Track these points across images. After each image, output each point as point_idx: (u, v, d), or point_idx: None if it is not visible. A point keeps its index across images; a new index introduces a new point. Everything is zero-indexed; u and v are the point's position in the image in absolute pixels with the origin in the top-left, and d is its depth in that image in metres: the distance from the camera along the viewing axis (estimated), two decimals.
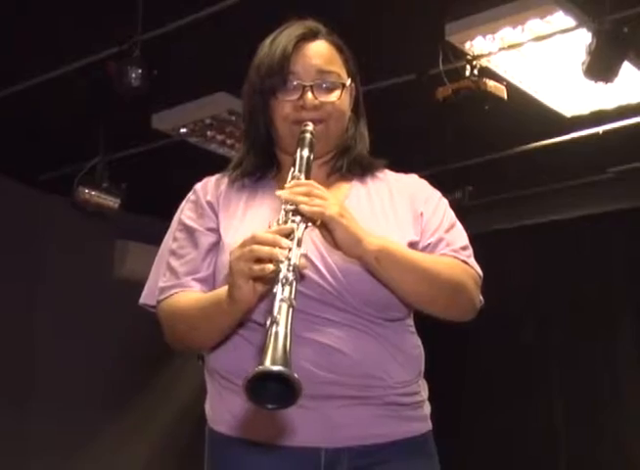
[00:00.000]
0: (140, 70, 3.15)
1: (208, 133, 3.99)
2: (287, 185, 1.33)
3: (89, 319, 4.99)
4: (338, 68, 1.50)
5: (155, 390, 5.47)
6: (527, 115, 3.83)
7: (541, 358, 5.21)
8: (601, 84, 3.18)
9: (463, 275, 1.43)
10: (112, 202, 4.40)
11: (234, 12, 3.05)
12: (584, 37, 3.08)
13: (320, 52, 1.48)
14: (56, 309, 4.94)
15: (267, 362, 1.06)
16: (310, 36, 1.49)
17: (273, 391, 1.07)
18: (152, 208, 4.50)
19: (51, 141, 4.25)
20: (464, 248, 1.47)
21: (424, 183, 1.57)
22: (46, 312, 4.91)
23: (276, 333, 1.10)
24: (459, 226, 1.51)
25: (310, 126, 1.44)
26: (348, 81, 1.51)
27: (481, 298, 1.48)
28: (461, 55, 3.30)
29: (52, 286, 4.95)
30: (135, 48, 3.18)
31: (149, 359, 5.08)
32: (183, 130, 4.00)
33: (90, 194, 4.34)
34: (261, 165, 1.53)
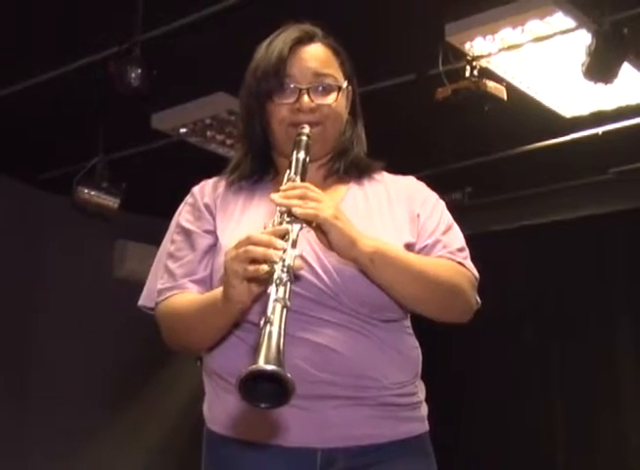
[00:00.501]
0: (140, 70, 3.16)
1: (208, 133, 3.99)
2: (282, 188, 1.34)
3: (88, 319, 4.99)
4: (334, 70, 1.51)
5: (154, 390, 5.47)
6: (527, 115, 3.84)
7: (541, 359, 5.21)
8: (601, 85, 3.18)
9: (459, 277, 1.44)
10: (111, 202, 4.41)
11: (234, 12, 3.06)
12: (584, 38, 3.08)
13: (316, 55, 1.49)
14: (55, 309, 4.94)
15: (261, 362, 1.07)
16: (306, 39, 1.50)
17: (266, 390, 1.08)
18: (151, 208, 4.51)
19: (51, 141, 4.25)
20: (460, 250, 1.48)
21: (421, 185, 1.58)
22: (45, 312, 4.91)
23: (270, 333, 1.11)
24: (456, 228, 1.52)
25: (307, 129, 1.45)
26: (345, 84, 1.52)
27: (478, 299, 1.49)
28: (461, 55, 3.30)
29: (51, 286, 4.95)
30: (135, 48, 3.18)
31: (148, 359, 5.09)
32: (183, 130, 4.00)
33: (90, 194, 4.35)
34: (259, 169, 1.54)
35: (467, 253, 1.49)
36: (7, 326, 4.71)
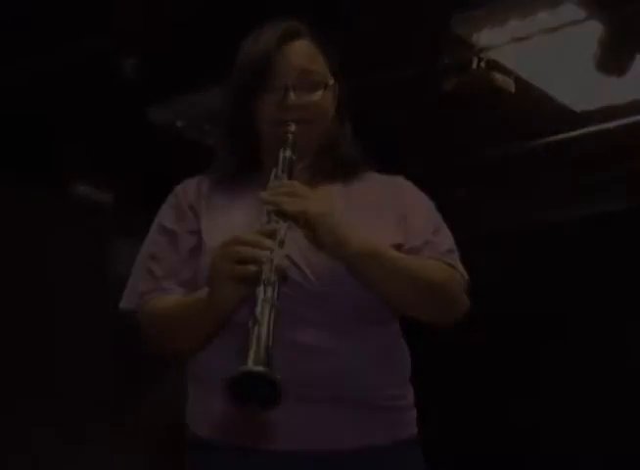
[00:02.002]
0: (136, 62, 3.17)
1: (206, 127, 4.01)
2: (269, 186, 1.36)
3: (83, 318, 5.01)
4: (320, 67, 1.52)
5: (151, 392, 5.49)
6: (536, 109, 3.84)
7: (547, 362, 5.23)
8: (613, 78, 3.19)
9: (448, 278, 1.45)
10: (106, 197, 4.43)
11: (232, 5, 3.07)
12: (595, 29, 3.09)
13: (302, 51, 1.51)
14: (49, 309, 4.96)
15: (250, 363, 1.09)
16: (292, 36, 1.51)
17: (255, 392, 1.09)
18: (147, 203, 4.51)
19: (45, 135, 4.27)
20: (450, 251, 1.50)
21: (409, 185, 1.60)
22: (39, 312, 4.93)
23: (258, 334, 1.13)
24: (445, 229, 1.54)
25: (293, 127, 1.46)
26: (331, 81, 1.53)
27: (467, 301, 1.50)
28: (468, 47, 3.31)
29: (45, 284, 4.97)
30: (132, 39, 3.19)
31: (146, 360, 5.09)
32: (180, 124, 4.02)
33: (84, 189, 4.37)
34: (244, 166, 1.55)
35: (456, 254, 1.51)
36: (2, 326, 4.73)
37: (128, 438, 5.30)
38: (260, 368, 1.08)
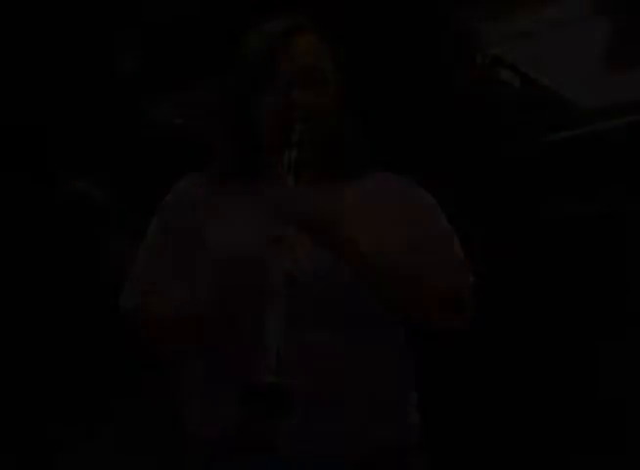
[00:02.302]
0: (136, 57, 3.17)
1: (206, 125, 4.00)
2: (274, 192, 1.35)
3: (80, 317, 5.01)
4: (325, 63, 1.51)
5: (151, 392, 5.48)
6: (541, 106, 3.84)
7: (549, 362, 5.22)
8: (622, 74, 3.19)
9: (453, 281, 1.45)
10: (103, 195, 4.43)
11: (233, 1, 3.07)
12: (602, 25, 3.08)
13: (307, 47, 1.49)
14: (47, 308, 4.96)
15: (262, 374, 1.10)
16: (297, 30, 1.50)
17: (264, 402, 1.11)
18: (146, 201, 4.51)
19: (40, 131, 4.26)
20: (455, 252, 1.49)
21: (415, 185, 1.59)
22: (37, 310, 4.93)
23: (269, 342, 1.14)
24: (451, 230, 1.53)
25: (298, 125, 1.44)
26: (337, 78, 1.52)
27: (473, 304, 1.49)
28: (472, 42, 3.30)
29: (42, 283, 4.97)
30: (132, 34, 3.19)
31: (145, 360, 5.09)
32: (179, 122, 4.01)
33: (81, 187, 4.37)
34: (245, 165, 1.54)
35: (462, 256, 1.50)
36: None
37: (129, 438, 5.31)
38: (271, 378, 1.09)
